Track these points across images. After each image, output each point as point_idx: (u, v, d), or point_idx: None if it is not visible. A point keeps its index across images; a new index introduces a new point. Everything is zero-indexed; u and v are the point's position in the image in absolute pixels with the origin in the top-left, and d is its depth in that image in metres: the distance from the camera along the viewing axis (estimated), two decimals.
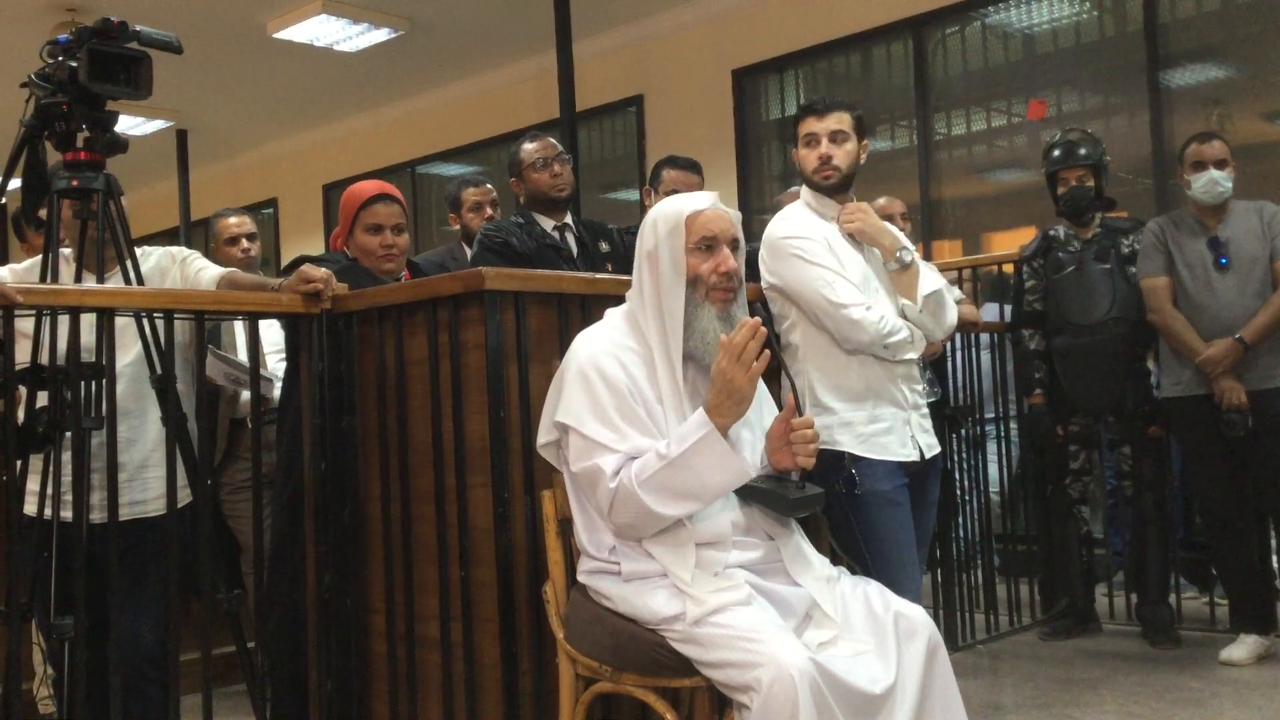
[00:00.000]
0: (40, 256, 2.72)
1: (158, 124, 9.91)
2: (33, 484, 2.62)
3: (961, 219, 7.04)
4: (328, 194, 10.83)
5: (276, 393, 3.35)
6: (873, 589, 2.23)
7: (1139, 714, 3.41)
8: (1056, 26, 6.48)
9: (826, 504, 2.36)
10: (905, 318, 2.82)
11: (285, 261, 10.60)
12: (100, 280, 2.70)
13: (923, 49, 6.90)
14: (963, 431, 4.41)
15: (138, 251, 2.78)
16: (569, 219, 3.72)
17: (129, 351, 2.69)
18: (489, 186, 4.65)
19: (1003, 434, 4.78)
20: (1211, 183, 4.03)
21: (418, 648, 2.62)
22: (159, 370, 2.62)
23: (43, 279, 2.60)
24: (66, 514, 2.52)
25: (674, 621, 2.07)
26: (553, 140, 3.74)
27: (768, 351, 2.08)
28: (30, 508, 2.62)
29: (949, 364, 4.29)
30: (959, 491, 4.42)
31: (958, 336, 4.22)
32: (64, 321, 2.48)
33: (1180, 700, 3.52)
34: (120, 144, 2.68)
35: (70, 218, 2.69)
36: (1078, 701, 3.55)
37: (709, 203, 2.29)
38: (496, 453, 2.45)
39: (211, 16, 7.34)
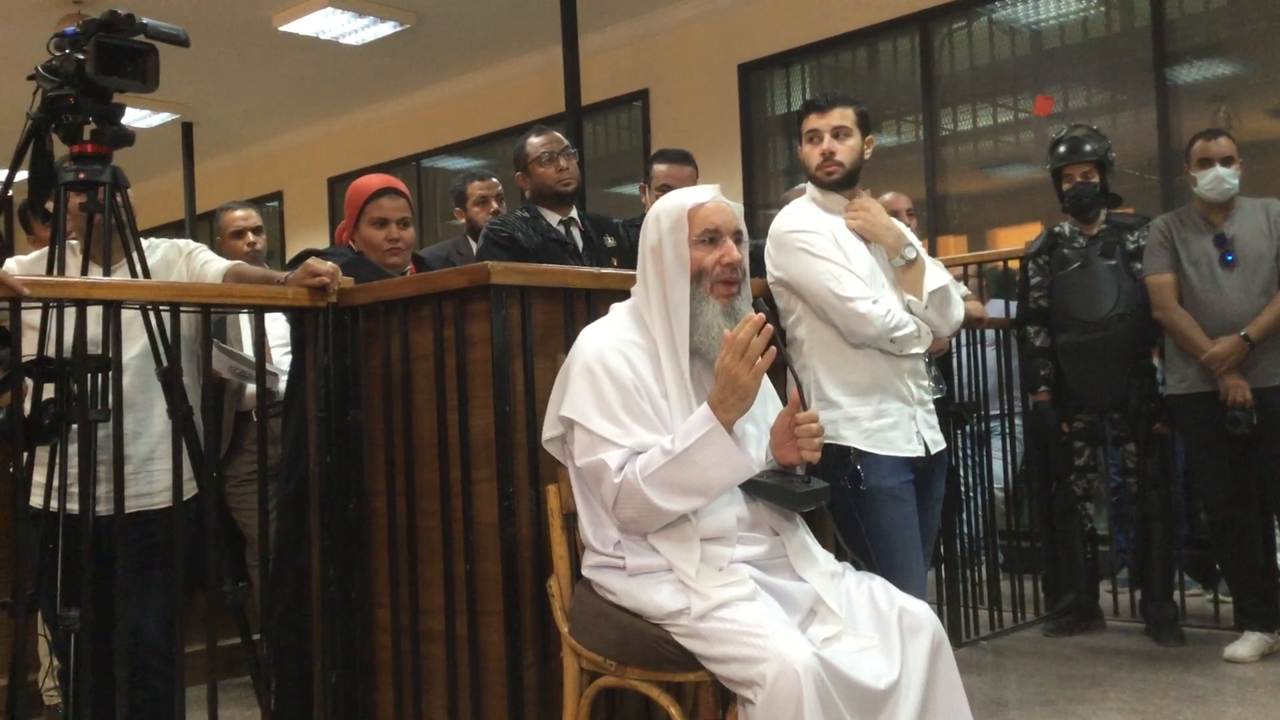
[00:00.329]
0: (47, 248, 2.73)
1: (163, 116, 9.90)
2: (39, 476, 2.63)
3: (967, 215, 7.03)
4: (333, 187, 10.83)
5: (282, 386, 3.36)
6: (877, 585, 2.24)
7: (1143, 711, 3.41)
8: (1063, 22, 6.46)
9: (832, 499, 2.36)
10: (911, 313, 2.82)
11: (290, 254, 10.57)
12: (106, 272, 2.70)
13: (929, 44, 6.89)
14: (967, 428, 4.41)
15: (144, 244, 2.78)
16: (574, 213, 3.72)
17: (135, 344, 2.69)
18: (494, 180, 4.65)
19: (1007, 430, 4.78)
20: (1218, 180, 4.02)
21: (422, 641, 2.62)
22: (165, 363, 2.63)
23: (49, 271, 2.61)
24: (72, 506, 2.52)
25: (679, 616, 2.07)
26: (558, 134, 3.74)
27: (773, 348, 2.08)
28: (36, 500, 2.62)
29: (954, 360, 4.28)
30: (963, 488, 4.42)
31: (963, 333, 4.22)
32: (70, 314, 2.48)
33: (1184, 697, 3.52)
34: (127, 137, 2.69)
35: (77, 210, 2.69)
36: (1081, 698, 3.55)
37: (711, 195, 2.29)
38: (501, 447, 2.45)
39: (217, 9, 7.34)
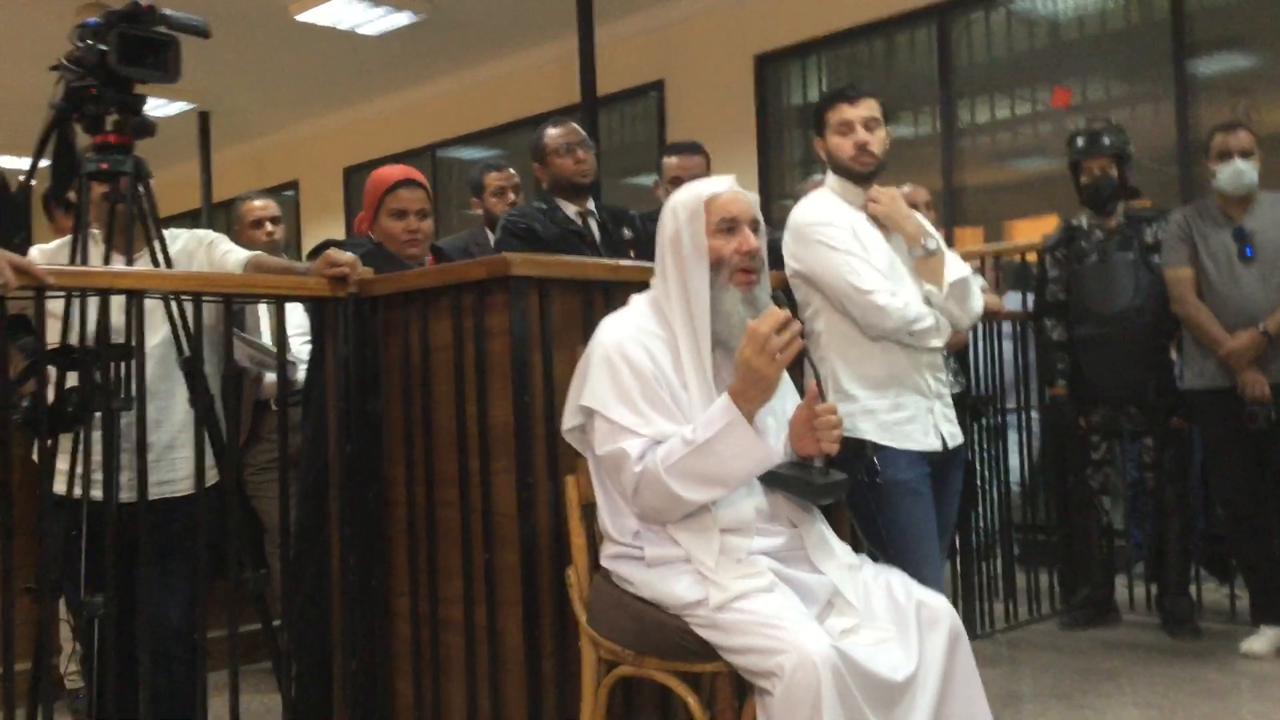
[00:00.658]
0: (68, 237, 2.74)
1: (180, 105, 9.95)
2: (61, 463, 2.65)
3: (983, 206, 7.01)
4: (349, 176, 10.86)
5: (300, 375, 3.37)
6: (895, 577, 2.24)
7: (1158, 705, 3.41)
8: (1082, 14, 6.43)
9: (850, 491, 2.36)
10: (930, 304, 2.81)
11: (306, 243, 10.59)
12: (129, 262, 2.72)
13: (947, 36, 6.86)
14: (984, 420, 4.40)
15: (165, 234, 2.80)
16: (591, 205, 3.72)
17: (157, 333, 2.71)
18: (511, 171, 4.66)
19: (1024, 424, 4.77)
20: (1237, 173, 4.00)
21: (441, 630, 2.64)
22: (187, 352, 2.64)
23: (72, 261, 2.63)
24: (95, 493, 2.54)
25: (697, 607, 2.08)
26: (576, 126, 3.75)
27: (799, 340, 2.09)
28: (59, 486, 2.65)
29: (970, 353, 4.28)
30: (979, 481, 4.42)
31: (980, 325, 4.21)
32: (93, 302, 2.50)
33: (1200, 692, 3.52)
34: (149, 127, 2.70)
35: (99, 200, 2.71)
36: (1096, 691, 3.55)
37: (727, 185, 2.31)
38: (520, 438, 2.46)
39: None
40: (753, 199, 2.32)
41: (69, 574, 2.60)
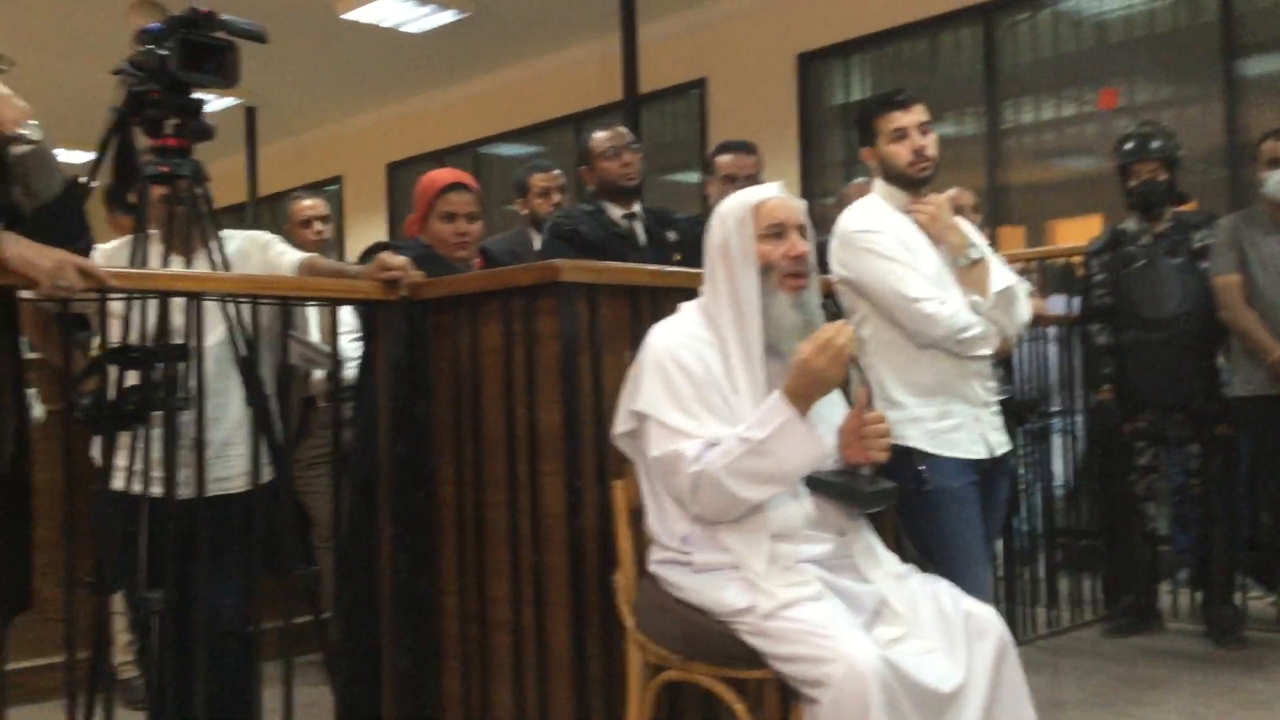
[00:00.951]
0: (126, 237, 2.80)
1: (227, 101, 10.06)
2: (120, 460, 2.71)
3: (1027, 205, 6.97)
4: (392, 172, 10.94)
5: (346, 372, 3.42)
6: (942, 587, 2.24)
7: (1202, 715, 3.39)
8: (1129, 14, 6.38)
9: (899, 500, 2.37)
10: (977, 313, 2.80)
11: (350, 238, 10.64)
12: (187, 263, 2.77)
13: (993, 36, 6.82)
14: (1028, 424, 4.38)
15: (220, 234, 2.85)
16: (637, 207, 3.75)
17: (214, 332, 2.76)
18: (557, 172, 4.68)
19: (1069, 428, 4.74)
20: None
21: (489, 629, 2.67)
22: (244, 351, 2.69)
23: (132, 262, 2.68)
24: (152, 490, 2.60)
25: (744, 614, 2.10)
26: (624, 129, 3.78)
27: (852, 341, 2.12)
28: (117, 483, 2.70)
29: (1015, 356, 4.26)
30: (1021, 485, 4.40)
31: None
32: (153, 303, 2.55)
33: (1244, 702, 3.50)
34: (207, 131, 2.76)
35: (159, 202, 2.76)
36: (1140, 700, 3.54)
37: (774, 191, 2.33)
38: (569, 441, 2.49)
39: None
40: (800, 205, 2.34)
41: (127, 569, 2.65)
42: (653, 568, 2.30)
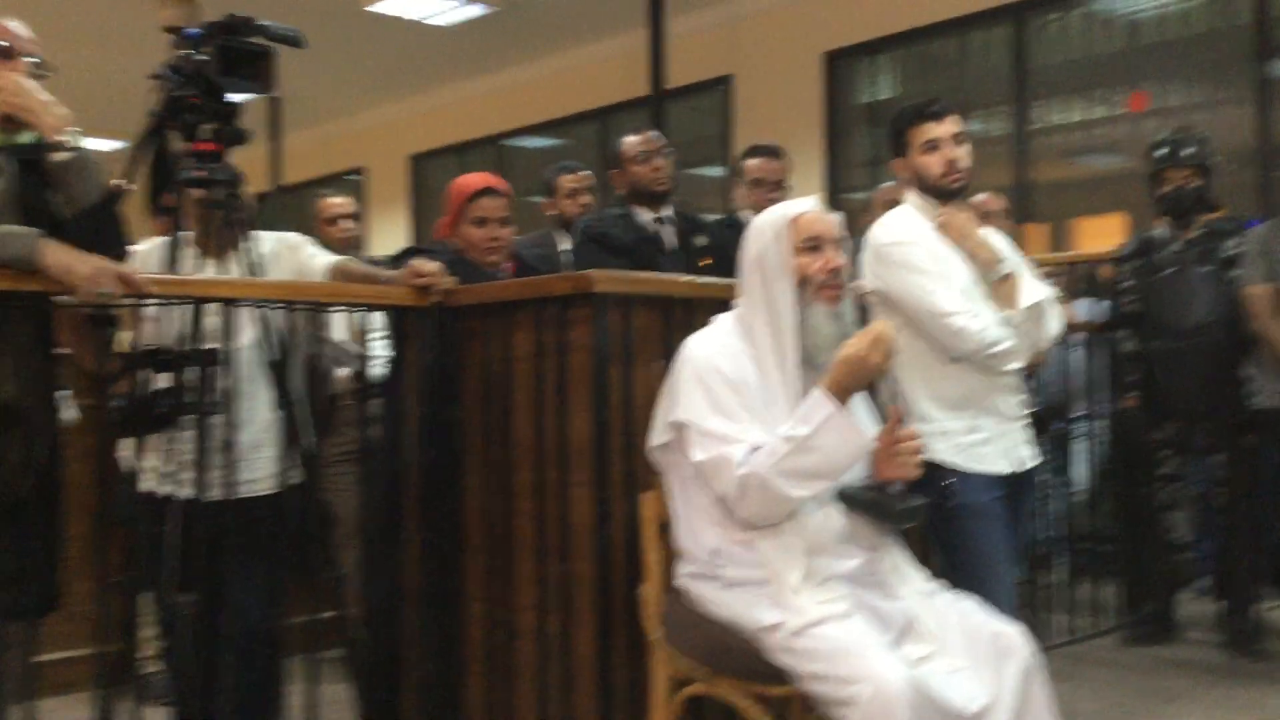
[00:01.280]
0: (159, 239, 2.82)
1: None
2: (149, 462, 2.73)
3: (1053, 204, 6.94)
4: (415, 164, 10.96)
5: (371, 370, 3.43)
6: (970, 605, 2.25)
7: None
8: (1162, 15, 6.33)
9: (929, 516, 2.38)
10: (1009, 326, 2.79)
11: (373, 229, 10.63)
12: (220, 265, 2.79)
13: (1023, 35, 6.78)
14: (1050, 430, 4.36)
15: (252, 236, 2.86)
16: (667, 212, 3.75)
17: (245, 335, 2.78)
18: (587, 173, 4.67)
19: (1091, 433, 4.72)
20: None
21: (514, 637, 2.69)
22: (276, 355, 2.71)
23: (168, 267, 2.70)
24: (180, 491, 2.62)
25: (773, 631, 2.11)
26: (655, 134, 3.78)
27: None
28: (146, 485, 2.73)
29: None
30: (1038, 492, 4.38)
31: None
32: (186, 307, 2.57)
33: (1265, 716, 3.48)
34: (243, 136, 2.77)
35: (194, 205, 2.77)
36: (1159, 713, 3.53)
37: (811, 205, 2.34)
38: (599, 452, 2.50)
39: None
40: (836, 219, 2.35)
41: (155, 569, 2.68)
42: (681, 581, 2.31)
